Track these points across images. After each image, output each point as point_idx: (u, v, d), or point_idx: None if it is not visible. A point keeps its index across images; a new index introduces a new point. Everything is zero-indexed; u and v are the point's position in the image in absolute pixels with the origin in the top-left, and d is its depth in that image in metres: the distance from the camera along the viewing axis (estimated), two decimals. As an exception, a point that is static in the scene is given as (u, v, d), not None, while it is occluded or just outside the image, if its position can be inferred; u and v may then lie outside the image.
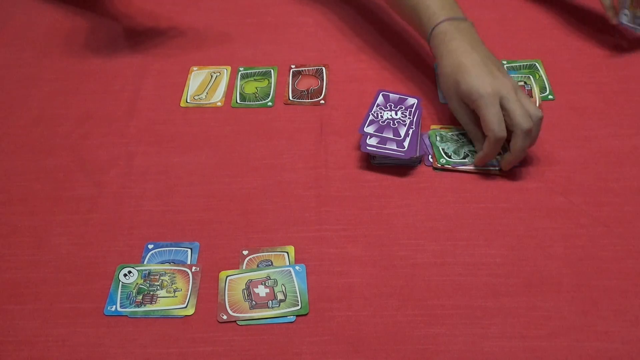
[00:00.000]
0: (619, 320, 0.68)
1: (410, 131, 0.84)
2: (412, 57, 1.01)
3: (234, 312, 0.69)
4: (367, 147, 0.82)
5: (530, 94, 0.93)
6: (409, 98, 0.89)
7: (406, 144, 0.83)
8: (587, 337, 0.66)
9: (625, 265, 0.72)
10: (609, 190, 0.80)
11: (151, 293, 0.71)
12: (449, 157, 0.83)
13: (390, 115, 0.86)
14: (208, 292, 0.71)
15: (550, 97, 0.93)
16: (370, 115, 0.85)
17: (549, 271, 0.72)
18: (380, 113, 0.86)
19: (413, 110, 0.87)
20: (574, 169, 0.83)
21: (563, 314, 0.68)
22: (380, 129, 0.84)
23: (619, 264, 0.73)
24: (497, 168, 0.82)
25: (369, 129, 0.84)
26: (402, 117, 0.85)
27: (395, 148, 0.82)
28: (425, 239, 0.76)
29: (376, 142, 0.83)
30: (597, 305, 0.69)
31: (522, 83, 0.95)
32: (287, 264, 0.74)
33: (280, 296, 0.70)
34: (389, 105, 0.87)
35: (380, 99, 0.88)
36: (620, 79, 0.96)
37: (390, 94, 0.89)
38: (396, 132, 0.83)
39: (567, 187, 0.81)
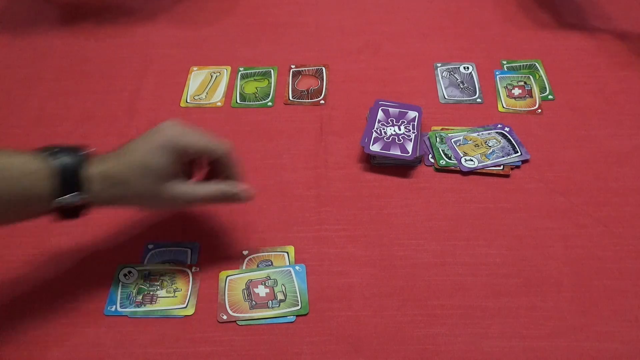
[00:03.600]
0: (619, 320, 0.68)
1: (413, 135, 0.84)
2: (412, 57, 1.01)
3: (234, 312, 0.69)
4: (371, 149, 0.82)
5: (530, 93, 0.93)
6: (410, 111, 0.88)
7: (409, 148, 0.83)
8: (587, 337, 0.66)
9: (625, 265, 0.72)
10: (609, 190, 0.80)
11: (151, 293, 0.71)
12: (449, 158, 0.83)
13: (394, 131, 0.85)
14: (208, 292, 0.71)
15: (550, 97, 0.93)
16: (374, 133, 0.85)
17: (549, 271, 0.72)
18: (383, 129, 0.85)
19: (416, 123, 0.86)
20: (574, 169, 0.83)
21: (563, 314, 0.68)
22: (387, 146, 0.83)
23: (619, 264, 0.73)
24: (500, 167, 0.82)
25: (375, 147, 0.83)
26: (406, 131, 0.85)
27: (400, 153, 0.82)
28: (425, 239, 0.76)
29: (380, 147, 0.83)
30: (597, 305, 0.69)
31: (522, 83, 0.95)
32: (287, 264, 0.74)
33: (280, 296, 0.70)
34: (390, 120, 0.87)
35: (380, 114, 0.88)
36: (620, 79, 0.96)
37: (390, 108, 0.88)
38: (403, 149, 0.83)
39: (567, 187, 0.81)
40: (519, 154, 0.84)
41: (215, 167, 0.71)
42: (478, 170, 0.82)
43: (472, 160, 0.83)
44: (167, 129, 0.68)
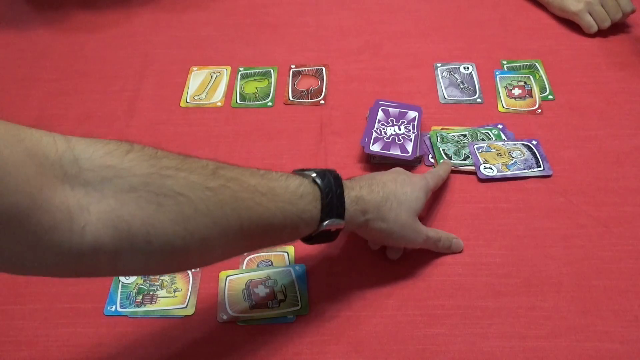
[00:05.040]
0: (619, 320, 0.68)
1: (413, 135, 0.84)
2: (412, 57, 1.01)
3: (234, 312, 0.69)
4: (371, 149, 0.82)
5: (530, 93, 0.93)
6: (410, 111, 0.88)
7: (409, 147, 0.83)
8: (587, 337, 0.66)
9: (625, 265, 0.72)
10: (609, 190, 0.80)
11: (151, 293, 0.71)
12: (450, 158, 0.83)
13: (394, 131, 0.85)
14: (208, 292, 0.71)
15: (550, 97, 0.93)
16: (374, 133, 0.85)
17: (549, 271, 0.72)
18: (383, 129, 0.85)
19: (416, 123, 0.86)
20: (574, 169, 0.83)
21: (563, 314, 0.68)
22: (387, 146, 0.83)
23: (619, 264, 0.73)
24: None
25: (375, 147, 0.83)
26: (406, 131, 0.85)
27: (399, 153, 0.82)
28: (425, 239, 0.76)
29: (380, 147, 0.83)
30: (597, 305, 0.69)
31: (522, 83, 0.95)
32: (287, 264, 0.74)
33: (280, 296, 0.70)
34: (390, 120, 0.86)
35: (380, 114, 0.87)
36: (620, 79, 0.96)
37: (390, 108, 0.88)
38: (403, 149, 0.83)
39: (567, 187, 0.81)
40: (542, 168, 0.82)
41: None
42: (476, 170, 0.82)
43: (491, 168, 0.82)
44: (416, 176, 0.74)
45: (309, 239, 0.64)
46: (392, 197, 0.67)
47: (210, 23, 1.09)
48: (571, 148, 0.86)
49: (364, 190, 0.66)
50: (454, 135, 0.86)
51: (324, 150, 0.86)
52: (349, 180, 0.67)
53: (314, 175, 0.63)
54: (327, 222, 0.62)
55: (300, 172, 0.64)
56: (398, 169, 0.75)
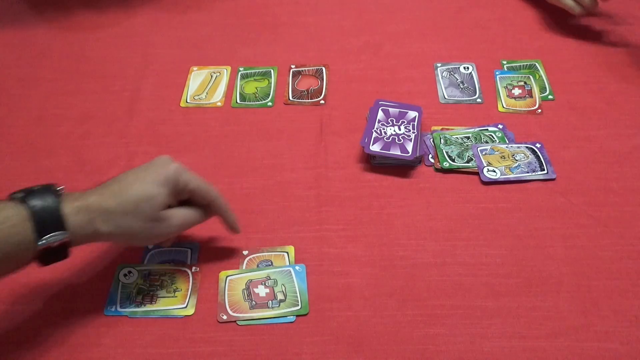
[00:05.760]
0: (619, 320, 0.68)
1: (413, 135, 0.84)
2: (412, 57, 1.01)
3: (234, 312, 0.69)
4: (371, 149, 0.82)
5: (530, 93, 0.93)
6: (410, 111, 0.88)
7: (409, 147, 0.83)
8: (587, 337, 0.66)
9: (625, 265, 0.72)
10: (609, 190, 0.80)
11: (151, 293, 0.71)
12: (453, 160, 0.83)
13: (394, 131, 0.85)
14: (208, 292, 0.71)
15: (550, 97, 0.93)
16: (374, 133, 0.85)
17: (549, 271, 0.72)
18: (383, 129, 0.85)
19: (416, 123, 0.86)
20: (574, 169, 0.83)
21: (563, 314, 0.68)
22: (387, 146, 0.83)
23: (619, 264, 0.73)
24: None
25: (375, 147, 0.83)
26: (406, 131, 0.85)
27: (400, 153, 0.82)
28: (425, 239, 0.76)
29: (380, 147, 0.83)
30: (597, 305, 0.69)
31: (522, 83, 0.95)
32: (287, 264, 0.74)
33: (280, 296, 0.70)
34: (390, 120, 0.86)
35: (380, 114, 0.87)
36: (620, 79, 0.96)
37: (390, 108, 0.88)
38: (403, 149, 0.83)
39: (567, 187, 0.81)
40: (545, 172, 0.82)
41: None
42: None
43: (494, 171, 0.82)
44: (168, 163, 0.68)
45: (41, 260, 0.61)
46: (124, 199, 0.64)
47: (210, 23, 1.09)
48: (571, 148, 0.86)
49: (92, 198, 0.63)
50: (457, 137, 0.86)
51: (324, 150, 0.86)
52: (83, 191, 0.64)
53: (21, 195, 0.60)
54: (44, 239, 0.59)
55: (11, 196, 0.61)
56: (161, 158, 0.69)
